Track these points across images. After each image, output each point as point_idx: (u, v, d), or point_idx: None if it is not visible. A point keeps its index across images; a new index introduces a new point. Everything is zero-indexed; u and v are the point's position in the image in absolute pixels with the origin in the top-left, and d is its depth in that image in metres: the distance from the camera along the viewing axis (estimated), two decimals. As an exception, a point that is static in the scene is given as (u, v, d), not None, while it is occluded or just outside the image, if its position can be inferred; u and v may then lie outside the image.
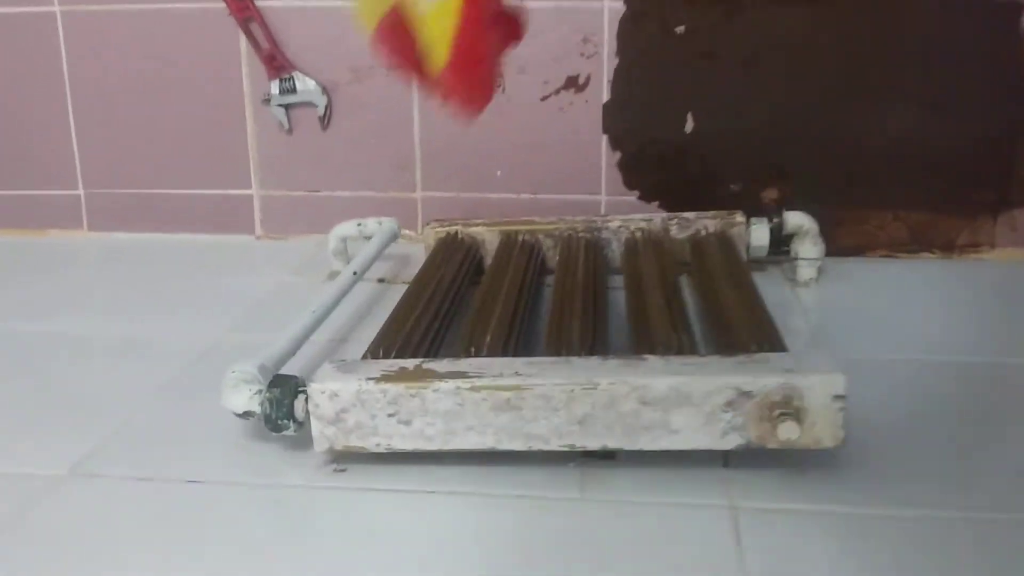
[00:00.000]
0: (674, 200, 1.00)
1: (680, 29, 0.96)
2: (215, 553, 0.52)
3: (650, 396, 0.56)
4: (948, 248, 0.97)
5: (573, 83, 1.00)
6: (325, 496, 0.58)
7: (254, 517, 0.56)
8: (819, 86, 0.95)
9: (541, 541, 0.52)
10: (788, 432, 0.54)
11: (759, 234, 0.89)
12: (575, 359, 0.60)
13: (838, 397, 0.55)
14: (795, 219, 0.90)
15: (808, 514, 0.54)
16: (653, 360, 0.59)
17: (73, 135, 1.11)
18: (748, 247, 0.89)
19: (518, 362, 0.60)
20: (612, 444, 0.57)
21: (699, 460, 0.59)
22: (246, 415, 0.61)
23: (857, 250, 0.98)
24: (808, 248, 0.89)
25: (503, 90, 1.01)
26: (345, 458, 0.61)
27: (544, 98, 1.01)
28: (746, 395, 0.55)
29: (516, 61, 1.00)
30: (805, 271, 0.90)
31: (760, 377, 0.55)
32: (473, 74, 0.53)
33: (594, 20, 0.98)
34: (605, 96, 1.00)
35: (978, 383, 0.70)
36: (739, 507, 0.55)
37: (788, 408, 0.55)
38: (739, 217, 0.90)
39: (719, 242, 0.86)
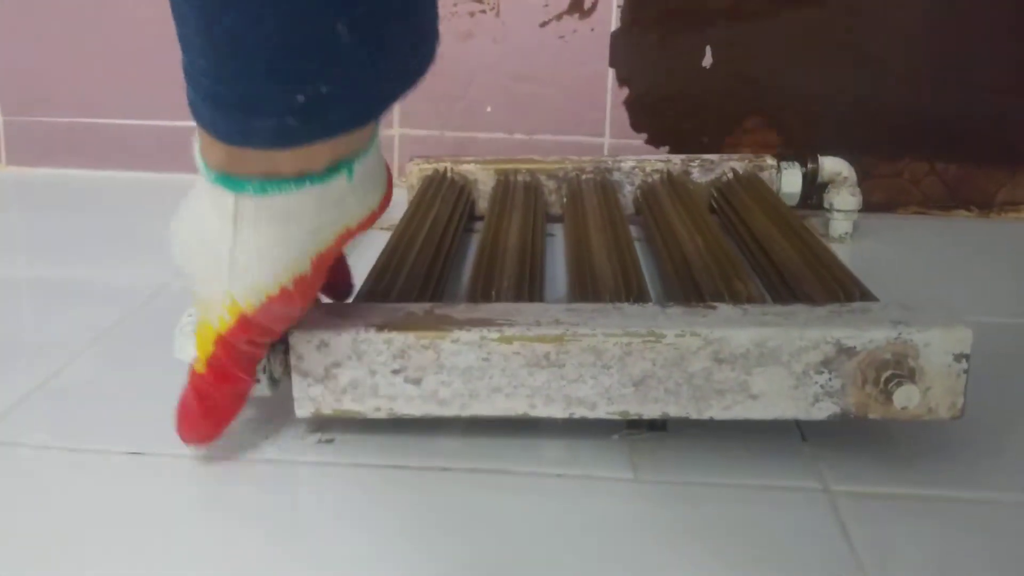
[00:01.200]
0: (686, 146, 0.89)
1: (703, -53, 0.84)
2: (161, 546, 0.39)
3: (728, 352, 0.44)
4: (986, 206, 0.88)
5: (578, 7, 0.88)
6: (307, 474, 0.45)
7: (212, 501, 0.44)
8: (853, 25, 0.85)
9: (589, 530, 0.41)
10: (907, 398, 0.43)
11: (791, 179, 0.79)
12: (626, 306, 0.48)
13: (961, 356, 0.44)
14: (832, 165, 0.79)
15: (918, 500, 0.43)
16: (726, 309, 0.47)
17: (-9, 51, 0.96)
18: (779, 194, 0.78)
19: (556, 308, 0.48)
20: (675, 412, 0.45)
21: (769, 435, 0.48)
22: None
23: (887, 206, 0.88)
24: (845, 199, 0.79)
25: (497, 13, 0.88)
26: (332, 426, 0.49)
27: (544, 24, 0.88)
28: (847, 352, 0.44)
29: (513, -20, 0.88)
30: (840, 224, 0.80)
31: (866, 330, 0.44)
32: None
33: (605, -66, 0.86)
34: (614, 24, 0.88)
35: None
36: (835, 491, 0.44)
37: (901, 369, 0.44)
38: (769, 160, 0.79)
39: (748, 186, 0.75)
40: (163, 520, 0.41)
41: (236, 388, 0.45)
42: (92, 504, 0.42)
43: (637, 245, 0.66)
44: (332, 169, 0.40)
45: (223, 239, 0.41)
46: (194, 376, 0.45)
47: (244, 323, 0.42)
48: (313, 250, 0.42)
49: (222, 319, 0.42)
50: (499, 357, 0.45)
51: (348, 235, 0.44)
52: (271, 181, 0.39)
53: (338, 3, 0.36)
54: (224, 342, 0.43)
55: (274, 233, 0.41)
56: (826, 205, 0.80)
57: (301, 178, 0.40)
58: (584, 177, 0.80)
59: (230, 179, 0.40)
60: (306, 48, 0.36)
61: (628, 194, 0.80)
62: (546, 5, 0.88)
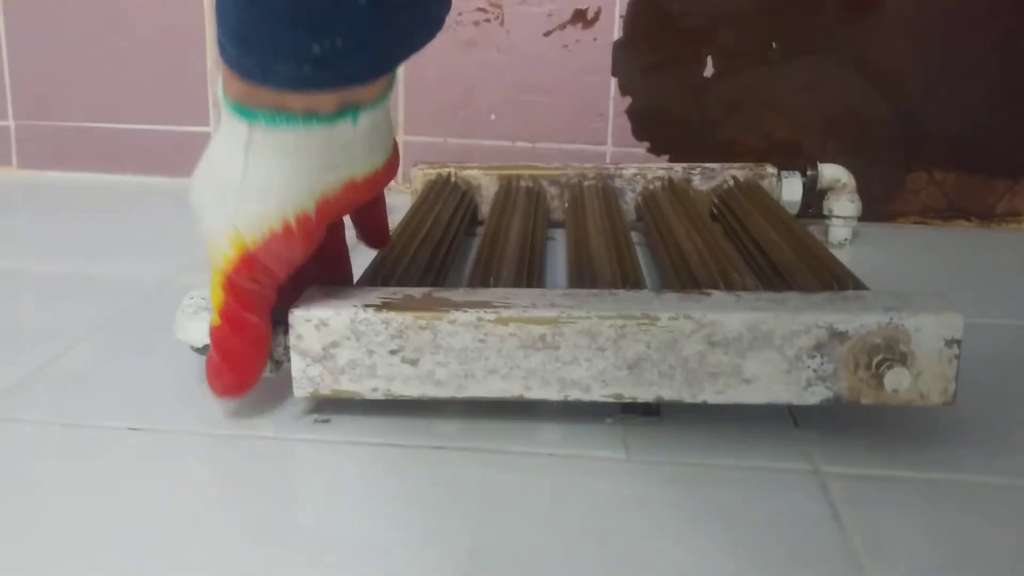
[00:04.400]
0: (688, 155, 0.90)
1: (705, -40, 0.86)
2: (154, 518, 0.40)
3: (721, 335, 0.45)
4: (986, 216, 0.89)
5: (581, 17, 0.89)
6: (303, 450, 0.46)
7: (210, 474, 0.44)
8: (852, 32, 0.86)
9: (580, 507, 0.41)
10: (897, 381, 0.43)
11: (792, 188, 0.79)
12: (621, 292, 0.49)
13: (952, 342, 0.44)
14: (831, 172, 0.80)
15: (908, 482, 0.44)
16: (720, 295, 0.48)
17: (4, 54, 0.97)
18: (779, 202, 0.79)
19: (553, 293, 0.49)
20: (668, 395, 0.46)
21: (762, 419, 0.48)
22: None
23: (887, 215, 0.89)
24: (844, 205, 0.80)
25: (501, 22, 0.90)
26: (329, 407, 0.49)
27: (547, 33, 0.90)
28: (840, 336, 0.44)
29: (518, -10, 0.89)
30: (839, 231, 0.80)
31: (857, 315, 0.44)
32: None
33: (609, -54, 0.87)
34: (616, 34, 0.89)
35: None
36: (826, 472, 0.44)
37: (892, 354, 0.44)
38: (769, 168, 0.80)
39: (749, 194, 0.76)
40: (158, 493, 0.42)
41: (250, 332, 0.46)
42: (88, 476, 0.43)
43: (638, 249, 0.66)
44: (338, 114, 0.43)
45: (234, 165, 0.43)
46: (212, 330, 0.46)
47: (247, 259, 0.44)
48: (319, 190, 0.44)
49: (226, 255, 0.44)
50: (495, 339, 0.46)
51: (354, 189, 0.46)
52: (281, 114, 0.42)
53: None
54: (230, 283, 0.45)
55: (281, 165, 0.43)
56: (825, 212, 0.81)
57: (308, 116, 0.42)
58: (586, 183, 0.81)
59: (245, 109, 0.43)
60: (324, 3, 0.39)
61: (630, 200, 0.81)
62: (550, 15, 0.89)
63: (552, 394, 0.46)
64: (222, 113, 0.44)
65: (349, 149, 0.44)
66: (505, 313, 0.46)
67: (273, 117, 0.42)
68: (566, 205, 0.79)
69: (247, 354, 0.46)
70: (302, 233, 0.44)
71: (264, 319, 0.46)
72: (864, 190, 0.81)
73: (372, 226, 0.55)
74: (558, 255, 0.73)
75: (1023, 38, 0.85)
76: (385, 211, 0.56)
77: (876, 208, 0.87)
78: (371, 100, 0.44)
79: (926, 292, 0.47)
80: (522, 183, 0.81)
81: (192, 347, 0.50)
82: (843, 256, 0.78)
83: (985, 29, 0.85)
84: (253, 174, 0.43)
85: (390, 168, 0.48)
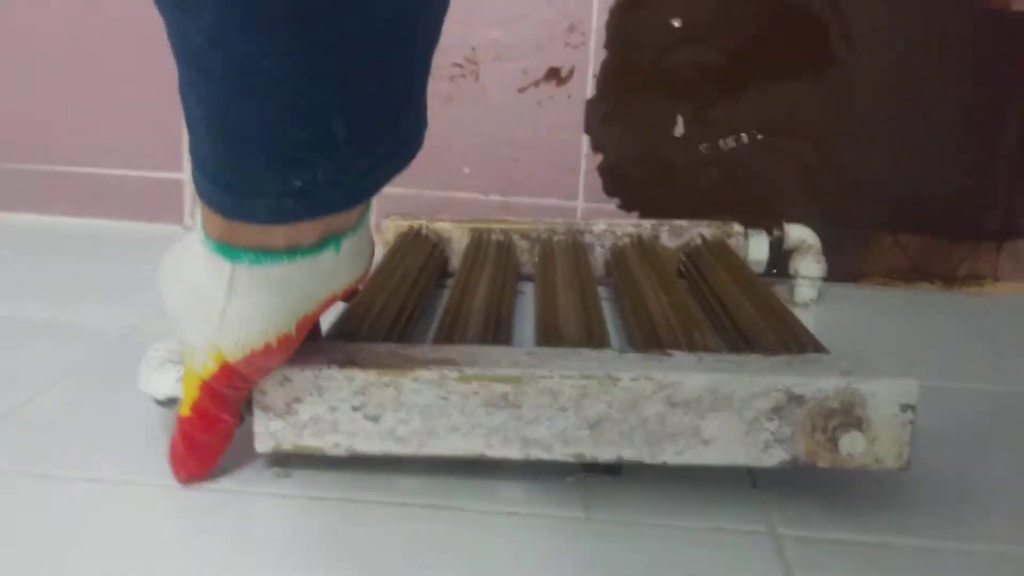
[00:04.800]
0: (657, 212, 0.91)
1: (677, 22, 0.88)
2: (110, 572, 0.40)
3: (681, 396, 0.45)
4: (949, 279, 0.90)
5: (555, 75, 0.91)
6: (263, 505, 0.46)
7: (170, 526, 0.44)
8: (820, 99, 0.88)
9: (538, 565, 0.41)
10: (852, 445, 0.44)
11: (758, 246, 0.81)
12: (584, 351, 0.50)
13: (907, 407, 0.45)
14: (797, 233, 0.81)
15: (862, 546, 0.44)
16: (681, 356, 0.49)
17: (-20, 98, 0.98)
18: (745, 261, 0.80)
19: (517, 351, 0.49)
20: (629, 455, 0.46)
21: (722, 481, 0.49)
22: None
23: (851, 276, 0.90)
24: (810, 265, 0.81)
25: (476, 78, 0.91)
26: (291, 462, 0.49)
27: (522, 89, 0.91)
28: (797, 399, 0.45)
29: (493, 47, 0.91)
30: (805, 291, 0.81)
31: (815, 379, 0.45)
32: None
33: (582, 6, 0.89)
34: (589, 92, 0.91)
35: (1011, 411, 0.62)
36: (783, 535, 0.45)
37: (848, 418, 0.45)
38: (736, 227, 0.81)
39: (716, 252, 0.77)
40: (115, 546, 0.41)
41: (220, 428, 0.47)
42: (46, 527, 0.42)
43: (605, 305, 0.67)
44: (321, 244, 0.43)
45: (217, 300, 0.43)
46: (181, 420, 0.47)
47: (226, 371, 0.44)
48: (301, 312, 0.44)
49: (206, 366, 0.44)
50: (458, 396, 0.46)
51: (333, 299, 0.46)
52: (265, 253, 0.42)
53: (335, 102, 0.38)
54: (207, 387, 0.45)
55: (265, 299, 0.43)
56: (791, 272, 0.82)
57: (292, 251, 0.42)
58: (556, 238, 0.82)
59: (228, 249, 0.42)
60: (304, 141, 0.39)
61: (599, 256, 0.82)
62: (525, 72, 0.91)
63: (514, 452, 0.47)
64: (198, 245, 0.44)
65: (332, 272, 0.44)
66: (468, 371, 0.46)
67: (257, 257, 0.42)
68: (536, 259, 0.80)
69: (214, 447, 0.47)
70: (282, 349, 0.44)
71: (234, 417, 0.47)
72: (829, 251, 0.82)
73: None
74: (526, 310, 0.73)
75: (986, 106, 0.87)
76: None
77: (841, 269, 0.89)
78: (352, 226, 0.44)
79: (883, 357, 0.48)
80: (493, 236, 0.82)
81: (155, 399, 0.49)
82: (808, 316, 0.79)
83: (950, 97, 0.87)
84: (236, 307, 0.43)
85: (368, 271, 0.48)
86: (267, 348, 0.44)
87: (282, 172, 0.39)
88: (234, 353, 0.44)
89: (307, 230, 0.42)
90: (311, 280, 0.43)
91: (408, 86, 0.42)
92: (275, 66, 0.37)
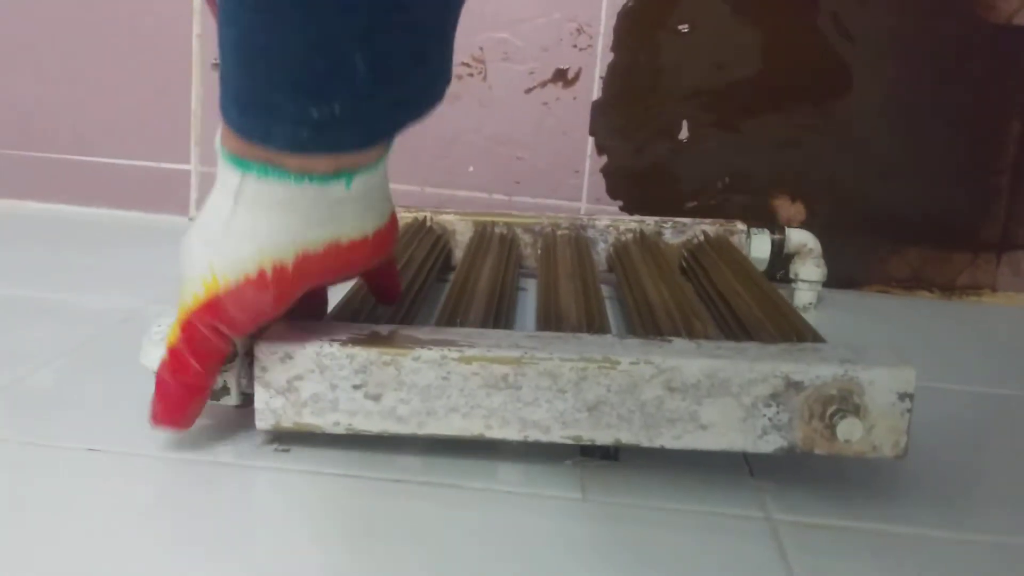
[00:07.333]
0: (660, 214, 0.91)
1: (684, 27, 0.89)
2: (108, 542, 0.40)
3: (680, 381, 0.46)
4: (948, 288, 0.91)
5: (562, 76, 0.91)
6: (261, 478, 0.46)
7: (167, 497, 0.44)
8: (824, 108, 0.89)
9: (533, 544, 0.42)
10: (849, 431, 0.44)
11: (760, 244, 0.81)
12: (585, 335, 0.50)
13: (905, 396, 0.45)
14: (798, 236, 0.82)
15: (857, 532, 0.44)
16: (681, 342, 0.49)
17: (-10, 86, 0.99)
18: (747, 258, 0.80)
19: (518, 334, 0.49)
20: (627, 439, 0.46)
21: (719, 466, 0.49)
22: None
23: (851, 283, 0.91)
24: (810, 270, 0.81)
25: (484, 77, 0.92)
26: (291, 438, 0.49)
27: (528, 90, 0.92)
28: (795, 386, 0.45)
29: (501, 47, 0.91)
30: (804, 295, 0.82)
31: (813, 366, 0.46)
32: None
33: (591, 9, 0.90)
34: (596, 94, 0.91)
35: (1007, 412, 0.62)
36: (778, 520, 0.45)
37: (845, 405, 0.45)
38: (739, 225, 0.82)
39: (718, 249, 0.78)
40: (112, 514, 0.42)
41: (188, 376, 0.46)
42: (42, 494, 0.43)
43: (608, 300, 0.67)
44: (333, 175, 0.44)
45: (222, 211, 0.44)
46: (160, 363, 0.47)
47: (213, 302, 0.44)
48: (300, 244, 0.44)
49: (196, 296, 0.44)
50: (458, 377, 0.46)
51: (336, 251, 0.46)
52: (275, 169, 0.43)
53: (358, 39, 0.40)
54: (188, 324, 0.45)
55: (267, 217, 0.44)
56: (791, 275, 0.82)
57: (301, 175, 0.43)
58: (559, 232, 0.82)
59: (240, 160, 0.43)
60: (325, 72, 0.40)
61: (601, 251, 0.82)
62: (531, 73, 0.92)
63: (512, 434, 0.47)
64: (218, 163, 0.45)
65: (338, 209, 0.44)
66: (469, 352, 0.46)
67: (266, 170, 0.43)
68: (539, 252, 0.80)
69: (179, 396, 0.46)
70: (276, 284, 0.44)
71: (207, 370, 0.46)
72: (830, 259, 0.83)
73: (385, 286, 0.56)
74: (528, 303, 0.73)
75: (987, 120, 0.88)
76: (396, 272, 0.57)
77: (841, 275, 0.89)
78: (367, 164, 0.45)
79: (881, 346, 0.48)
80: (496, 230, 0.82)
81: (153, 372, 0.50)
82: (808, 319, 0.79)
83: (951, 109, 0.88)
84: (238, 219, 0.44)
85: (382, 241, 0.48)
86: (261, 276, 0.44)
87: (301, 100, 0.40)
88: (226, 275, 0.44)
89: (321, 161, 0.43)
90: (316, 208, 0.44)
91: (431, 32, 0.43)
92: None
